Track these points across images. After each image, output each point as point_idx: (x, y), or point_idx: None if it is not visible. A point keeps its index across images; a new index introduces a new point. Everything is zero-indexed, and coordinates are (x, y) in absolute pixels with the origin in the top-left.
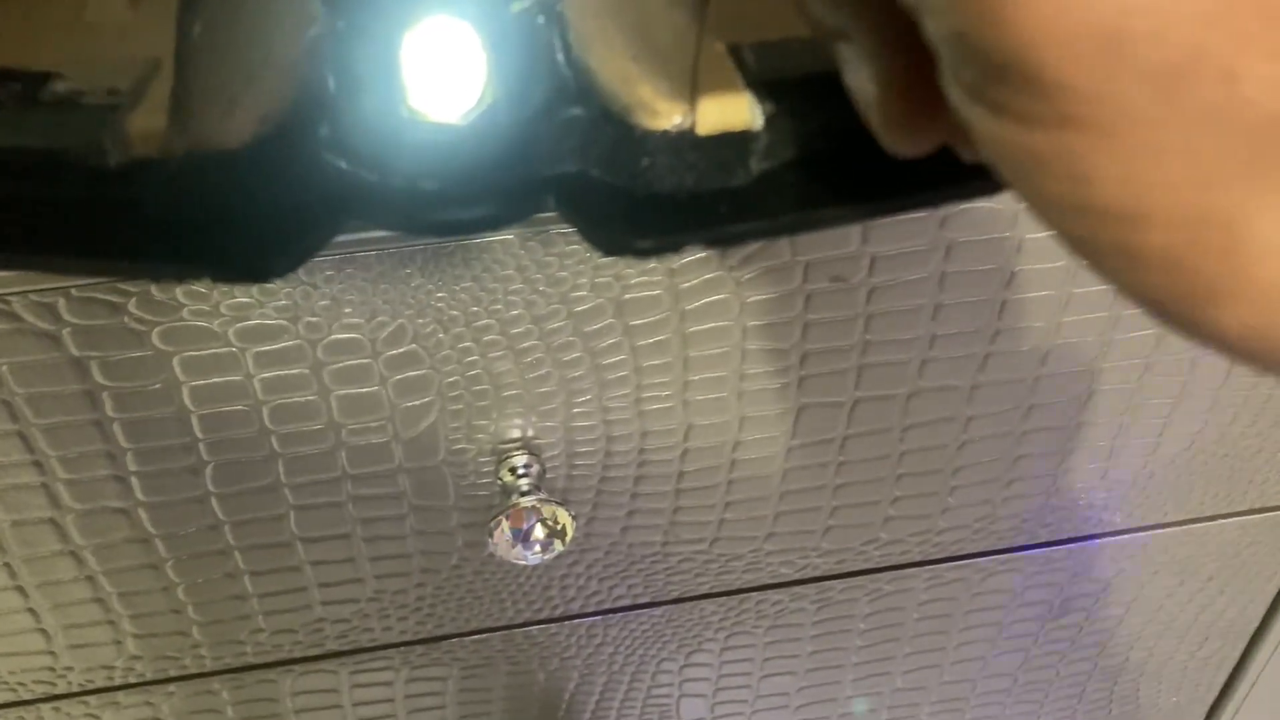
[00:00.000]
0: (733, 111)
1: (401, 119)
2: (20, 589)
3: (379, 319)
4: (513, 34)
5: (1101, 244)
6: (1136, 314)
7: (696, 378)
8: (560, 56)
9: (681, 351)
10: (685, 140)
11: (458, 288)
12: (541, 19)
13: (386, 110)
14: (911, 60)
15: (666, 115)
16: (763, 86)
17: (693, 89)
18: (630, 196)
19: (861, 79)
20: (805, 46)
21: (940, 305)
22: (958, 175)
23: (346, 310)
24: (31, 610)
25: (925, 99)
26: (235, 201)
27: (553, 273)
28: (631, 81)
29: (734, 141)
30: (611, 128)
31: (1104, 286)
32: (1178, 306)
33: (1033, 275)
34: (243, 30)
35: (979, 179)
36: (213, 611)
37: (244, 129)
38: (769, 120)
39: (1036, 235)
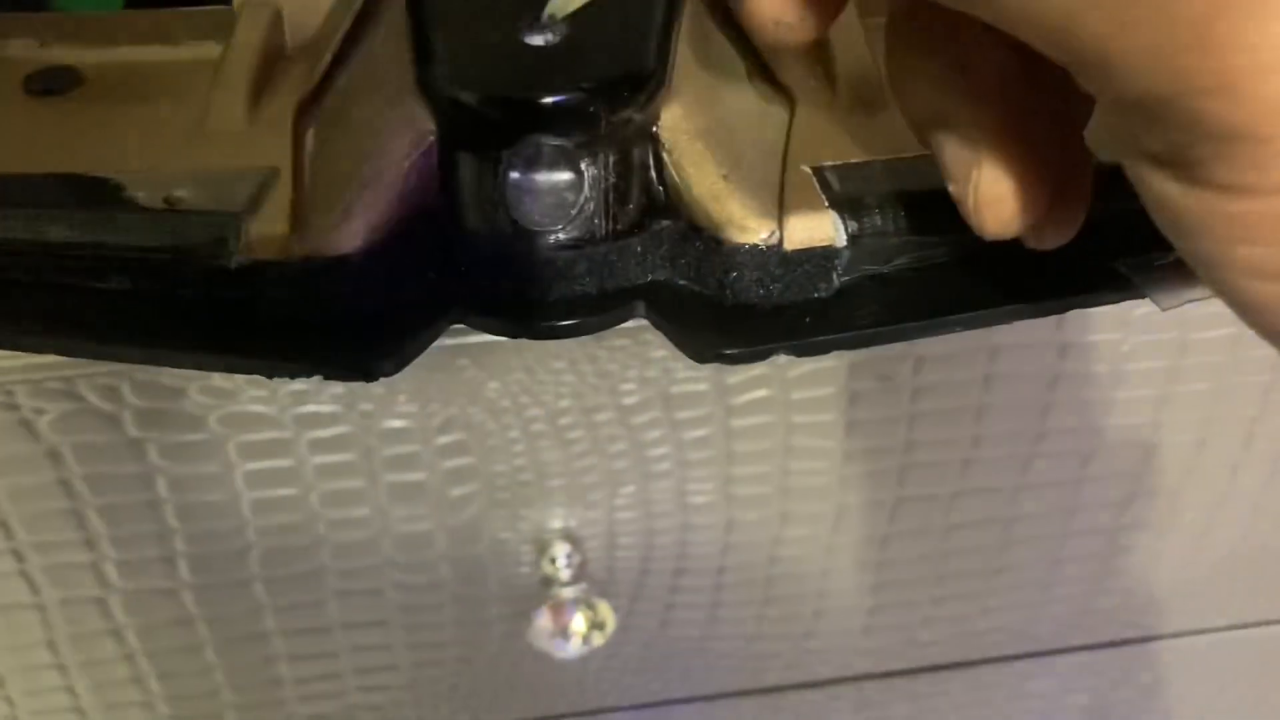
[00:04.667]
0: (818, 228)
1: (505, 229)
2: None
3: (431, 407)
4: (610, 153)
5: None
6: (1179, 419)
7: (740, 472)
8: (653, 174)
9: (726, 446)
10: (772, 255)
11: (510, 378)
12: (638, 139)
13: (491, 220)
14: (1014, 143)
15: (754, 231)
16: (845, 205)
17: (780, 207)
18: (717, 306)
19: (962, 160)
20: (885, 168)
21: (985, 406)
22: (1034, 291)
23: (401, 398)
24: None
25: (1024, 178)
26: (347, 303)
27: (602, 365)
28: (722, 199)
29: (818, 256)
30: (700, 240)
31: (1146, 392)
32: None
33: (1077, 379)
34: (355, 142)
35: (1054, 296)
36: (248, 694)
37: (357, 235)
38: (851, 238)
39: (1081, 339)
